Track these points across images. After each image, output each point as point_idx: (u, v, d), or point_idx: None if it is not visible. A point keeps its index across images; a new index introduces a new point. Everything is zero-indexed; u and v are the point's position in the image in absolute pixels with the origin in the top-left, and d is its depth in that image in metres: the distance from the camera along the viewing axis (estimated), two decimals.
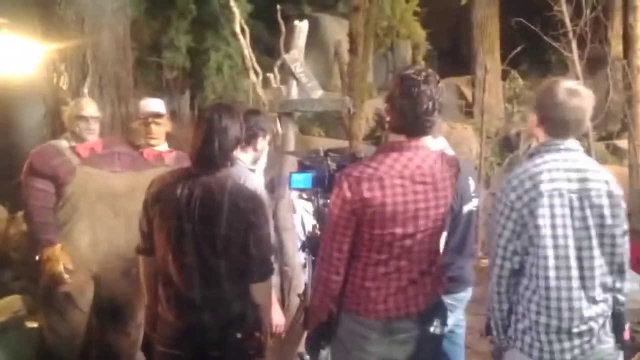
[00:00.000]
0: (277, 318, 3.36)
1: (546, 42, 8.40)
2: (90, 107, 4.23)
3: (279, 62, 5.67)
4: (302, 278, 4.03)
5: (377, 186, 2.54)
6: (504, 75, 12.42)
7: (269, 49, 8.96)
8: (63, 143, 4.17)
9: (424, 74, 2.54)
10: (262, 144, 3.47)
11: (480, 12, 11.38)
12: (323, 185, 3.38)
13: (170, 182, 2.89)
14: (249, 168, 3.37)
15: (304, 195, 3.58)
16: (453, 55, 13.06)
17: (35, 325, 4.49)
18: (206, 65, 8.69)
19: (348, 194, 2.54)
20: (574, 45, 7.53)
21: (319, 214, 3.42)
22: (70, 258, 4.00)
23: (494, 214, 2.66)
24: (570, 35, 7.54)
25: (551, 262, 2.53)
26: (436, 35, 12.45)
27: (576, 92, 2.63)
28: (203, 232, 2.80)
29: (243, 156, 3.37)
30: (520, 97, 13.17)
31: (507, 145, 11.08)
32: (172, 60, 8.61)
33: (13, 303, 4.62)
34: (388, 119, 2.65)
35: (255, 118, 3.46)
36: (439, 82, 2.57)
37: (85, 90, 5.38)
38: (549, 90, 2.67)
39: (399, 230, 2.57)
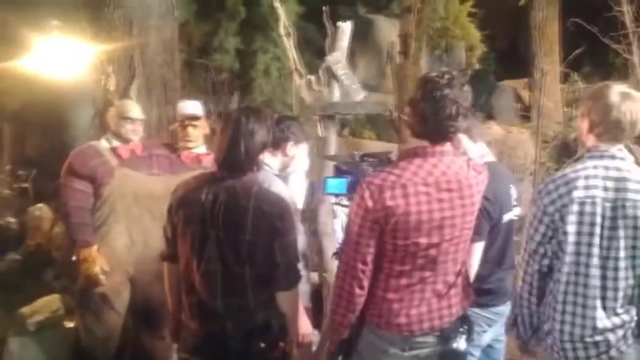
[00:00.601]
0: (305, 327, 3.25)
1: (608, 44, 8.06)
2: (136, 109, 4.25)
3: (323, 65, 5.55)
4: None
5: (400, 194, 2.43)
6: (564, 78, 12.05)
7: (321, 52, 8.84)
8: (103, 144, 4.18)
9: (447, 77, 2.42)
10: (293, 150, 3.34)
11: (540, 13, 11.01)
12: None
13: (195, 187, 2.82)
14: (275, 174, 3.27)
15: (341, 201, 3.46)
16: (510, 57, 12.69)
17: (72, 325, 4.50)
18: (254, 67, 8.65)
19: (370, 203, 2.44)
20: (635, 47, 7.18)
21: None
22: (106, 259, 4.01)
23: (529, 217, 2.66)
24: (631, 36, 7.19)
25: (571, 269, 2.55)
26: (493, 36, 12.14)
27: (629, 96, 2.56)
28: (227, 238, 2.72)
29: (271, 161, 3.27)
30: (581, 101, 12.64)
31: (565, 151, 10.69)
32: (220, 63, 8.60)
33: (52, 302, 4.65)
34: (409, 122, 2.54)
35: (287, 122, 3.35)
36: (464, 85, 2.44)
37: (132, 92, 5.41)
38: (599, 94, 2.61)
39: (423, 240, 2.46)
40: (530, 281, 2.66)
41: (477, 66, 11.70)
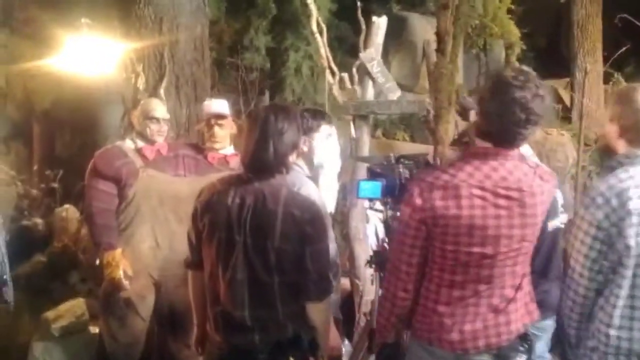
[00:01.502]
0: (334, 340, 3.07)
1: None
2: (160, 108, 4.12)
3: (357, 62, 5.38)
4: (371, 294, 3.71)
5: (451, 195, 2.25)
6: (607, 78, 11.68)
7: (353, 49, 8.66)
8: (128, 144, 4.07)
9: (521, 78, 2.19)
10: (304, 148, 3.13)
11: (582, 11, 10.66)
12: (394, 195, 3.09)
13: (221, 190, 2.66)
14: (307, 175, 3.08)
15: (375, 206, 3.26)
16: (551, 56, 12.33)
17: (97, 330, 4.42)
18: (285, 65, 8.50)
19: (418, 201, 2.28)
20: None
21: (387, 228, 3.11)
22: (130, 263, 3.91)
23: (574, 231, 2.47)
24: None
25: (635, 282, 2.41)
26: (533, 34, 11.78)
27: None
28: (255, 245, 2.56)
29: (301, 162, 3.07)
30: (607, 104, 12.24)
31: (607, 154, 10.32)
32: (250, 61, 8.47)
33: (77, 307, 4.58)
34: (476, 120, 2.37)
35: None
36: (539, 88, 2.21)
37: (162, 91, 5.31)
38: (627, 98, 2.47)
39: (476, 250, 2.27)
40: (582, 301, 2.48)
41: (517, 65, 11.35)
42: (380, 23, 4.44)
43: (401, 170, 3.15)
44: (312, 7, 5.54)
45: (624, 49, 9.26)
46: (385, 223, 3.12)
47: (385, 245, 3.15)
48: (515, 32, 11.05)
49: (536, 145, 7.34)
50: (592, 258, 2.41)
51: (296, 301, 2.62)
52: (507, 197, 2.27)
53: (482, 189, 2.25)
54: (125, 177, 3.91)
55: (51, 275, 5.51)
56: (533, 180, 2.32)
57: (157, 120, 4.03)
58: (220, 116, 4.07)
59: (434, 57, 8.21)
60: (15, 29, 8.35)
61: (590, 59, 10.70)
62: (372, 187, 3.16)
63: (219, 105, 4.14)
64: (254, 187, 2.59)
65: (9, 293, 4.21)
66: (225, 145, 4.13)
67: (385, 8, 9.69)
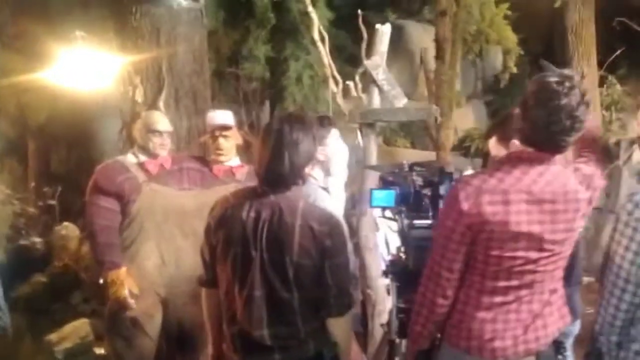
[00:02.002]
0: (356, 355, 2.97)
1: None
2: (163, 121, 4.02)
3: (360, 70, 5.31)
4: (386, 304, 3.62)
5: (499, 200, 2.20)
6: (601, 81, 11.70)
7: (351, 58, 8.63)
8: (130, 159, 3.96)
9: (567, 84, 2.13)
10: (322, 152, 3.05)
11: (575, 16, 10.65)
12: (408, 203, 3.01)
13: (234, 204, 2.56)
14: (322, 187, 2.99)
15: (387, 214, 3.18)
16: (546, 60, 12.34)
17: (102, 351, 4.29)
18: (285, 75, 8.42)
19: (465, 206, 2.21)
20: None
21: (403, 236, 3.03)
22: (136, 281, 3.79)
23: (617, 237, 2.38)
24: None
25: None
26: (528, 40, 11.80)
27: None
28: (272, 260, 2.47)
29: (316, 172, 2.98)
30: (619, 104, 12.34)
31: (605, 156, 10.34)
32: (250, 71, 8.38)
33: (81, 328, 4.48)
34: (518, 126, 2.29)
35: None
36: (584, 95, 2.16)
37: (161, 103, 5.21)
38: None
39: (520, 255, 2.22)
40: (626, 307, 2.39)
41: (514, 70, 11.34)
42: (384, 30, 4.38)
43: (414, 178, 3.07)
44: (313, 16, 5.48)
45: (618, 52, 9.24)
46: (401, 232, 3.03)
47: (401, 254, 3.07)
48: (512, 38, 11.06)
49: None
50: (638, 264, 2.34)
51: (317, 317, 2.53)
52: (552, 202, 2.23)
53: (529, 194, 2.21)
54: (127, 193, 3.79)
55: (52, 296, 5.39)
56: (576, 185, 2.28)
57: (160, 133, 3.92)
58: (225, 127, 3.97)
59: (432, 65, 8.19)
60: (6, 44, 8.24)
61: (585, 63, 10.72)
62: (385, 196, 3.09)
63: (223, 116, 4.04)
64: (270, 200, 2.49)
65: (5, 318, 4.10)
66: (231, 156, 4.03)
67: (381, 17, 9.65)
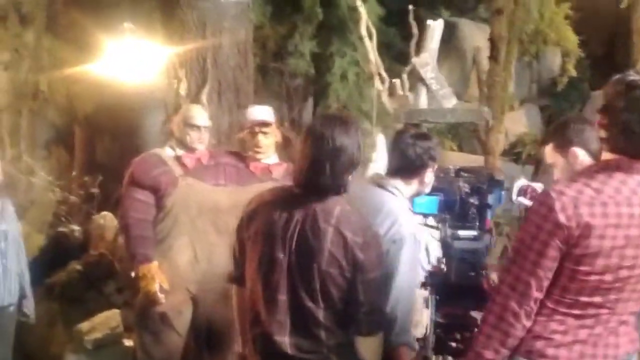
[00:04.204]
0: None
1: None
2: (202, 115, 3.93)
3: (408, 68, 5.13)
4: (424, 317, 3.43)
5: (599, 213, 2.00)
6: None
7: (401, 56, 8.42)
8: (167, 151, 3.90)
9: None
10: (430, 176, 2.86)
11: None
12: (452, 210, 2.83)
13: (269, 201, 2.43)
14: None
15: (430, 222, 3.00)
16: (608, 63, 11.88)
17: (132, 343, 4.27)
18: (330, 71, 8.28)
19: (562, 218, 2.00)
20: None
21: (446, 247, 2.84)
22: (167, 277, 3.72)
23: None
24: None
25: None
26: (588, 41, 11.34)
27: None
28: (299, 265, 2.32)
29: (402, 186, 2.81)
30: None
31: None
32: (295, 67, 8.27)
33: (111, 318, 4.47)
34: (602, 133, 2.08)
35: (425, 144, 2.83)
36: None
37: (204, 97, 5.15)
38: None
39: (611, 271, 2.03)
40: None
41: (574, 73, 10.92)
42: (436, 27, 4.20)
43: (461, 184, 2.89)
44: (362, 11, 5.33)
45: None
46: (443, 242, 2.85)
47: (442, 266, 2.88)
48: (572, 39, 10.62)
49: None
50: None
51: (343, 333, 2.36)
52: None
53: (630, 205, 2.01)
54: (163, 187, 3.73)
55: (87, 285, 5.39)
56: None
57: (198, 127, 3.84)
58: (265, 124, 3.85)
59: (484, 65, 7.94)
60: (58, 34, 8.33)
61: None
62: (428, 202, 2.93)
63: (263, 112, 3.93)
64: (305, 202, 2.34)
65: (29, 306, 4.07)
66: (270, 154, 3.91)
67: (434, 14, 9.40)
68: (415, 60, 4.21)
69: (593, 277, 2.03)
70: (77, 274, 5.39)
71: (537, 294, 2.06)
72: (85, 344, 4.34)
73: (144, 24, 5.73)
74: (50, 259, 5.67)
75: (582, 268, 2.02)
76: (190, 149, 3.84)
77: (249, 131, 3.87)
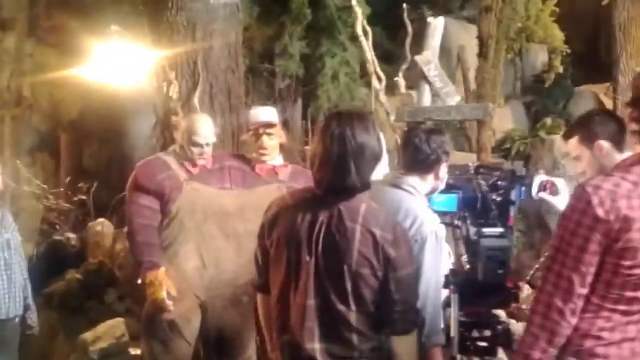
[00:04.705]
0: None
1: None
2: (205, 133, 3.74)
3: (404, 66, 5.12)
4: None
5: (637, 205, 1.99)
6: None
7: (387, 56, 8.43)
8: (171, 155, 3.79)
9: None
10: (445, 171, 2.84)
11: (624, 13, 10.31)
12: (474, 208, 2.78)
13: (290, 205, 2.37)
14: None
15: (446, 220, 2.96)
16: (589, 60, 12.02)
17: (138, 351, 4.17)
18: (321, 72, 8.23)
19: (600, 212, 1.99)
20: None
21: (470, 244, 2.80)
22: (174, 283, 3.63)
23: None
24: None
25: None
26: (569, 38, 11.45)
27: None
28: (327, 268, 2.26)
29: (418, 183, 2.77)
30: None
31: None
32: (284, 68, 8.21)
33: (116, 327, 4.39)
34: (633, 126, 2.10)
35: (439, 138, 2.82)
36: None
37: (196, 100, 5.07)
38: None
39: None
40: None
41: (560, 70, 11.01)
42: (437, 24, 4.17)
43: (480, 181, 2.86)
44: (357, 10, 5.30)
45: None
46: (466, 240, 2.81)
47: (465, 264, 2.85)
48: (559, 36, 10.70)
49: None
50: None
51: (376, 335, 2.31)
52: None
53: None
54: (168, 192, 3.65)
55: (87, 294, 5.29)
56: None
57: (201, 145, 3.70)
58: (270, 125, 3.79)
59: (469, 63, 7.97)
60: (41, 38, 8.18)
61: (634, 63, 10.36)
62: (446, 200, 2.89)
63: (267, 113, 3.87)
64: (329, 202, 2.29)
65: (33, 317, 3.98)
66: (275, 155, 3.85)
67: (417, 14, 9.41)
68: (417, 58, 4.20)
69: (636, 271, 2.01)
70: (77, 282, 5.29)
71: (581, 290, 2.04)
72: (90, 354, 4.26)
73: (130, 27, 5.64)
74: (46, 268, 5.54)
75: (625, 262, 2.01)
76: (192, 161, 3.73)
77: (254, 133, 3.81)
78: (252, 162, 3.85)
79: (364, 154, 2.24)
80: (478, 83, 7.20)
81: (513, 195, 2.79)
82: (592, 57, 12.06)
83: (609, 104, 11.15)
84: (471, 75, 9.19)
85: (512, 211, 2.82)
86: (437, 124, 4.08)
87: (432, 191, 2.88)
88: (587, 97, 11.86)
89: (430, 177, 2.82)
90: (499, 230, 2.71)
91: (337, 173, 2.24)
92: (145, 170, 3.71)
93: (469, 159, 8.15)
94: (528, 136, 9.98)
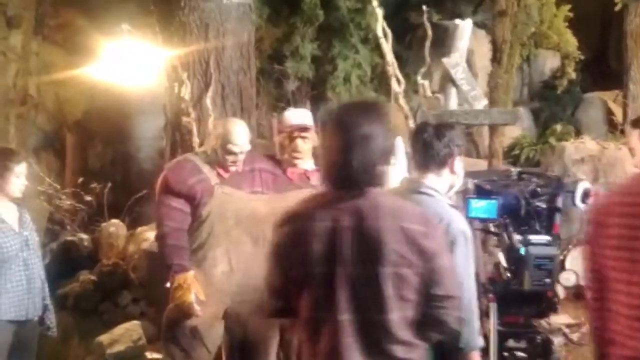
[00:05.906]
0: None
1: None
2: (243, 141, 3.63)
3: (423, 70, 5.10)
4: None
5: None
6: None
7: (397, 58, 8.38)
8: (201, 158, 3.71)
9: None
10: (460, 165, 2.74)
11: (636, 20, 10.24)
12: (516, 215, 2.72)
13: (305, 215, 2.16)
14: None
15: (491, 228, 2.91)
16: (599, 67, 11.96)
17: (155, 355, 4.08)
18: (332, 74, 8.16)
19: None
20: None
21: (510, 252, 2.75)
22: (202, 288, 3.57)
23: None
24: None
25: None
26: (579, 44, 11.38)
27: None
28: (359, 276, 2.05)
29: (436, 182, 2.69)
30: None
31: None
32: (295, 70, 8.14)
33: (132, 330, 4.31)
34: None
35: (449, 132, 2.72)
36: None
37: (208, 101, 5.03)
38: None
39: None
40: None
41: (573, 76, 10.96)
42: (465, 26, 4.12)
43: (522, 187, 2.82)
44: (378, 12, 5.26)
45: None
46: (509, 248, 2.76)
47: (507, 273, 2.79)
48: (572, 42, 10.64)
49: (592, 160, 6.98)
50: None
51: (419, 343, 2.13)
52: None
53: None
54: (200, 195, 3.57)
55: (101, 296, 5.20)
56: None
57: (235, 154, 3.61)
58: (304, 128, 3.72)
59: (477, 67, 7.94)
60: (47, 36, 8.08)
61: None
62: (486, 206, 2.83)
63: (301, 115, 3.81)
64: (347, 205, 2.09)
65: (52, 318, 3.91)
66: (307, 159, 3.77)
67: (423, 17, 9.38)
68: (444, 60, 4.14)
69: None
70: (91, 284, 5.19)
71: None
72: (107, 358, 4.19)
73: (139, 26, 5.57)
74: (58, 269, 5.45)
75: None
76: (224, 167, 3.65)
77: (287, 135, 3.74)
78: (283, 165, 3.79)
79: (369, 144, 2.07)
80: (491, 88, 7.17)
81: (559, 202, 2.75)
82: (601, 64, 12.01)
83: (618, 111, 11.12)
84: (479, 80, 9.16)
85: (558, 219, 2.78)
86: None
87: (451, 187, 2.77)
88: (596, 104, 11.76)
89: (446, 172, 2.71)
90: (546, 238, 2.67)
91: (339, 164, 2.08)
92: (177, 173, 3.64)
93: (479, 165, 8.10)
94: (537, 143, 9.93)
